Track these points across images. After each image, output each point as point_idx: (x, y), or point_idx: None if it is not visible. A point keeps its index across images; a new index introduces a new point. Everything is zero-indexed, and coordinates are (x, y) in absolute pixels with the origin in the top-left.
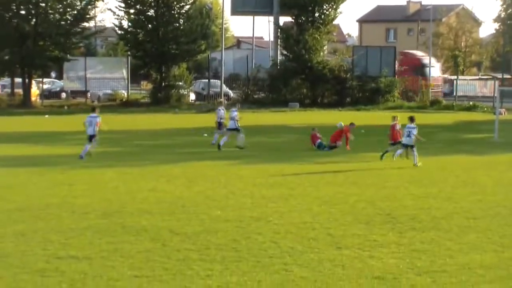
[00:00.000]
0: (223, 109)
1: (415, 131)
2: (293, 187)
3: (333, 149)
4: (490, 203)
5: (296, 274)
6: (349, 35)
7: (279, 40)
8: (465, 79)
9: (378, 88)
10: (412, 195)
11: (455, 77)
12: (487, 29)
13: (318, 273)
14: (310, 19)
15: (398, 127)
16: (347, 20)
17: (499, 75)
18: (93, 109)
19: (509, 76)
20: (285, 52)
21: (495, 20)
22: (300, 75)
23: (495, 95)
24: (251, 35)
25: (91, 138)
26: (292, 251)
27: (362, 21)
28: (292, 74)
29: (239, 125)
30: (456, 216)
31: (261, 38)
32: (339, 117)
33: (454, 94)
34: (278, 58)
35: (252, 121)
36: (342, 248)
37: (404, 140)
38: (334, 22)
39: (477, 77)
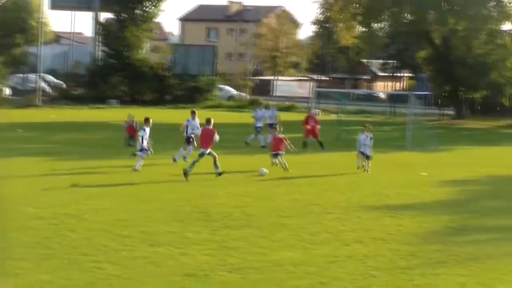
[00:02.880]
0: None
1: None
2: (109, 184)
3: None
4: (304, 201)
5: (108, 272)
6: (171, 34)
7: (99, 37)
8: (283, 80)
9: (198, 87)
10: (228, 194)
11: (274, 77)
12: (306, 31)
13: (131, 271)
14: (131, 16)
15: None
16: (169, 18)
17: (316, 77)
18: None
19: (325, 78)
20: (105, 49)
21: (313, 23)
22: (120, 72)
23: (311, 96)
24: (71, 31)
25: None
26: (105, 249)
27: (183, 20)
28: (111, 70)
29: None
30: (270, 214)
31: (81, 34)
32: (159, 115)
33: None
34: (98, 54)
35: (69, 117)
36: (155, 246)
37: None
38: (155, 20)
39: (295, 78)
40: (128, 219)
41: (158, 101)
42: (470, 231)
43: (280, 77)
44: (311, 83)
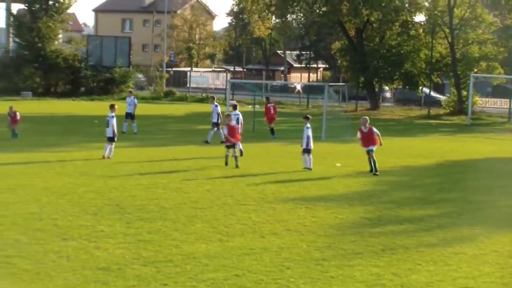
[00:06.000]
0: None
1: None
2: (20, 178)
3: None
4: (218, 193)
5: (18, 267)
6: (85, 25)
7: (11, 28)
8: (198, 71)
9: (112, 78)
10: (141, 186)
11: (189, 68)
12: (221, 22)
13: (42, 265)
14: (44, 7)
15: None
16: (84, 9)
17: (231, 68)
18: None
19: (241, 69)
20: (17, 40)
21: (228, 14)
22: (33, 64)
23: (227, 87)
24: None
25: None
26: (16, 243)
27: (98, 11)
28: (24, 62)
29: None
30: (184, 206)
31: None
32: (73, 107)
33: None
34: (10, 45)
35: None
36: (68, 239)
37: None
38: (69, 11)
39: (211, 69)
40: (40, 212)
41: (72, 93)
42: (385, 222)
43: (195, 68)
44: (227, 74)
